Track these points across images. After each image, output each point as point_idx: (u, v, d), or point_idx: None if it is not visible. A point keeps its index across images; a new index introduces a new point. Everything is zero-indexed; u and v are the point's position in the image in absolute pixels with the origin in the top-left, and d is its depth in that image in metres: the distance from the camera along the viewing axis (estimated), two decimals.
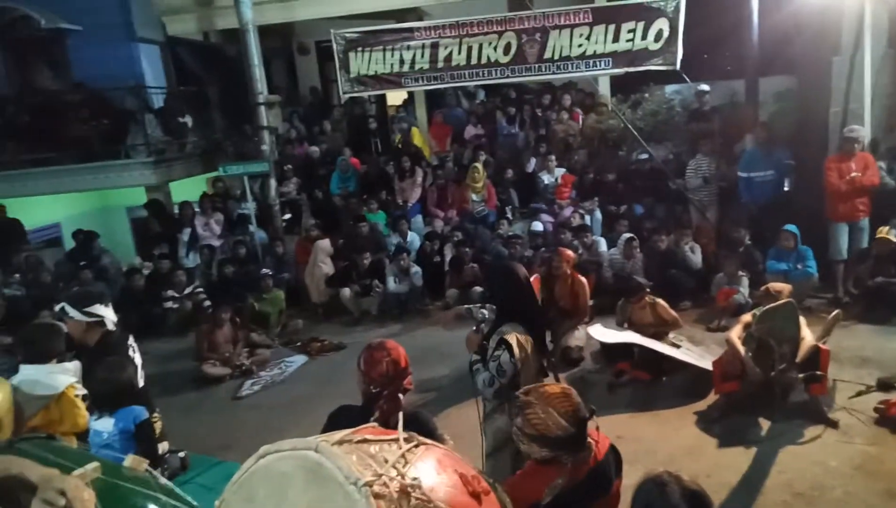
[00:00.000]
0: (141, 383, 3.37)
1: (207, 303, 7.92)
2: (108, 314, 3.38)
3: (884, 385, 4.86)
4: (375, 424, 1.75)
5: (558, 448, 2.07)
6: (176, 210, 10.35)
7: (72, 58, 10.91)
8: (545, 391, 2.15)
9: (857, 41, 6.63)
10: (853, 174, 6.43)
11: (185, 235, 9.44)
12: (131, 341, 3.44)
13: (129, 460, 2.03)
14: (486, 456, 3.08)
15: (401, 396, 2.39)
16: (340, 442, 1.57)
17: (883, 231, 6.33)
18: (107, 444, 2.94)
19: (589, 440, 2.14)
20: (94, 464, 1.69)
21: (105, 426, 2.99)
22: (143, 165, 10.24)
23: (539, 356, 3.12)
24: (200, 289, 8.37)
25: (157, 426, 3.20)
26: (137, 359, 3.41)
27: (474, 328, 3.24)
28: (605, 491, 2.17)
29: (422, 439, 1.64)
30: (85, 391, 3.10)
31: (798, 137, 7.78)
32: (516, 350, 2.96)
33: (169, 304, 8.30)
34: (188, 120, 11.02)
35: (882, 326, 6.05)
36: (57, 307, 3.57)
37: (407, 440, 1.60)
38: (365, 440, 1.57)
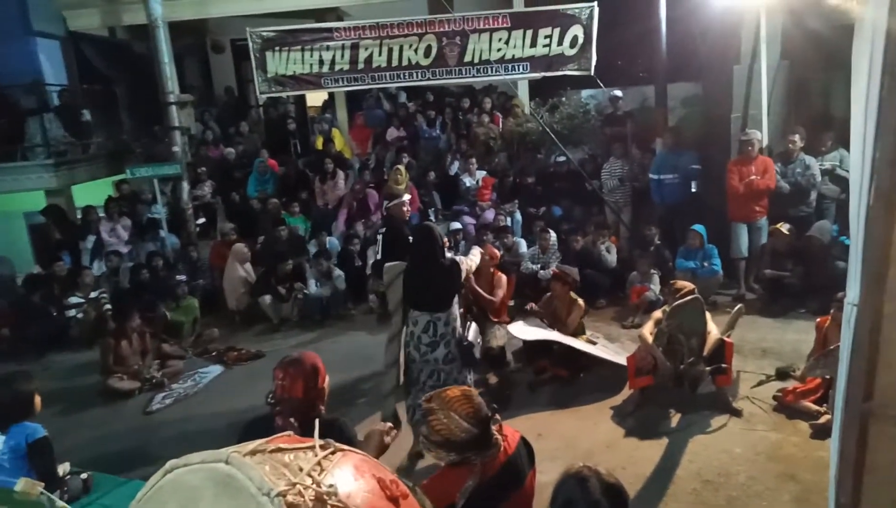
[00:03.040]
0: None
1: (108, 309, 7.54)
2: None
3: (781, 374, 5.19)
4: (291, 433, 1.70)
5: (465, 450, 2.10)
6: (79, 215, 9.76)
7: None
8: (446, 395, 2.16)
9: (755, 51, 7.07)
10: (752, 177, 6.84)
11: (90, 242, 8.92)
12: None
13: (22, 483, 1.90)
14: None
15: (292, 420, 2.27)
16: (253, 452, 1.51)
17: (777, 225, 6.77)
18: None
19: (496, 436, 2.16)
20: None
21: None
22: (42, 168, 9.62)
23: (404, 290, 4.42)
24: (105, 295, 7.91)
25: None
26: None
27: None
28: (519, 484, 2.20)
29: (339, 445, 1.60)
30: None
31: (704, 141, 8.21)
32: (384, 276, 4.60)
33: (73, 312, 7.80)
34: (86, 114, 10.39)
35: (780, 318, 6.47)
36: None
37: (323, 447, 1.55)
38: (279, 449, 1.51)
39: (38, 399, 3.03)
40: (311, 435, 1.71)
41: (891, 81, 1.65)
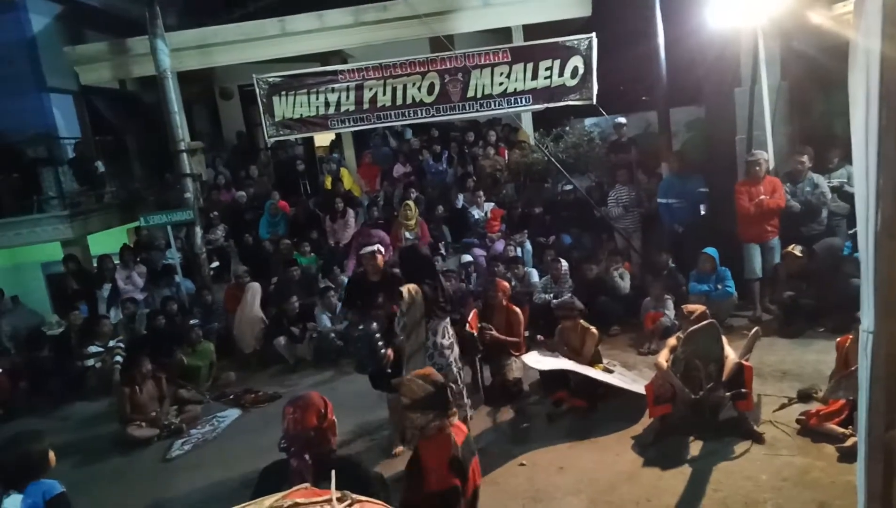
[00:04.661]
0: None
1: (117, 361, 7.60)
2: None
3: (804, 396, 5.10)
4: (308, 485, 1.70)
5: (430, 407, 2.74)
6: (95, 264, 9.90)
7: None
8: (411, 374, 2.99)
9: (755, 74, 7.11)
10: (761, 197, 6.83)
11: (106, 290, 9.02)
12: None
13: None
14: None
15: (307, 457, 2.35)
16: None
17: (789, 248, 6.74)
18: None
19: (454, 408, 2.89)
20: None
21: (13, 504, 2.79)
22: (57, 219, 9.80)
23: (426, 303, 4.79)
24: (121, 344, 7.96)
25: None
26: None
27: None
28: (472, 456, 2.89)
29: (356, 497, 1.61)
30: None
31: (709, 164, 8.22)
32: (405, 297, 4.72)
33: (91, 361, 7.84)
34: (99, 165, 10.60)
35: (798, 339, 6.38)
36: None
37: (340, 500, 1.57)
38: (296, 504, 1.53)
39: (52, 455, 3.05)
40: (327, 472, 1.72)
41: (889, 111, 1.66)
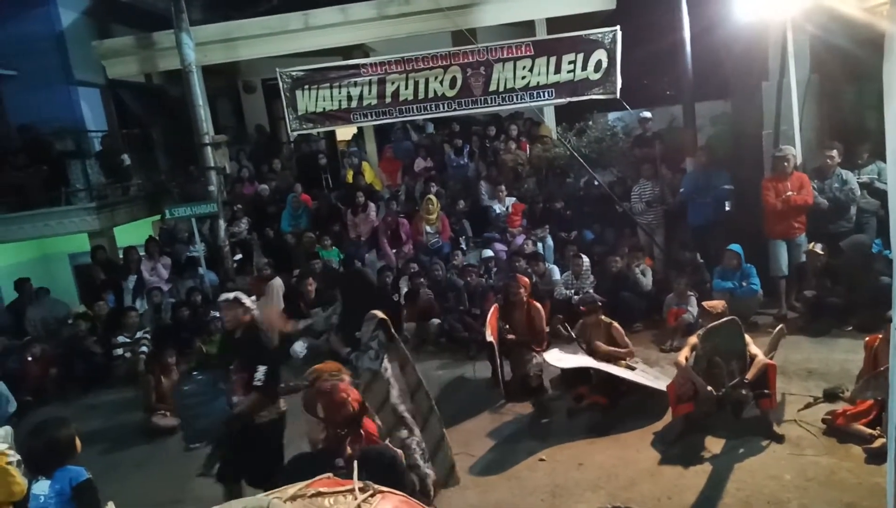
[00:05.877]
0: None
1: (143, 351, 7.70)
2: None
3: (830, 396, 5.02)
4: (331, 474, 1.71)
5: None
6: (121, 256, 10.05)
7: (7, 103, 10.63)
8: (319, 367, 2.76)
9: (783, 67, 6.99)
10: (788, 193, 6.71)
11: (131, 281, 9.16)
12: None
13: None
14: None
15: (342, 433, 2.39)
16: (293, 498, 1.54)
17: (810, 245, 6.64)
18: None
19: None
20: None
21: (42, 489, 2.85)
22: (84, 211, 9.95)
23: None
24: (147, 335, 8.07)
25: None
26: None
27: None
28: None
29: (378, 487, 1.62)
30: (18, 457, 2.95)
31: (735, 159, 8.09)
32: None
33: (119, 351, 7.98)
34: (125, 158, 10.75)
35: (824, 338, 6.27)
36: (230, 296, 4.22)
37: (362, 490, 1.57)
38: (319, 494, 1.55)
39: (78, 442, 3.11)
40: (360, 460, 1.73)
41: None
